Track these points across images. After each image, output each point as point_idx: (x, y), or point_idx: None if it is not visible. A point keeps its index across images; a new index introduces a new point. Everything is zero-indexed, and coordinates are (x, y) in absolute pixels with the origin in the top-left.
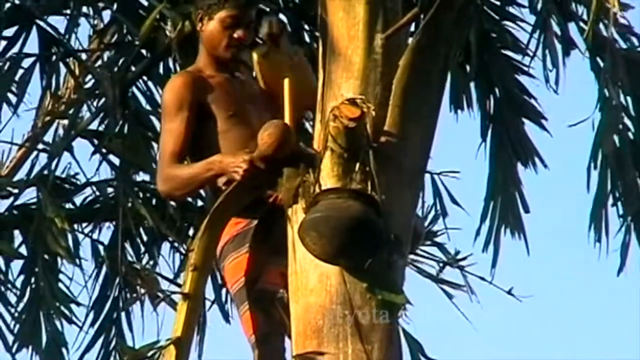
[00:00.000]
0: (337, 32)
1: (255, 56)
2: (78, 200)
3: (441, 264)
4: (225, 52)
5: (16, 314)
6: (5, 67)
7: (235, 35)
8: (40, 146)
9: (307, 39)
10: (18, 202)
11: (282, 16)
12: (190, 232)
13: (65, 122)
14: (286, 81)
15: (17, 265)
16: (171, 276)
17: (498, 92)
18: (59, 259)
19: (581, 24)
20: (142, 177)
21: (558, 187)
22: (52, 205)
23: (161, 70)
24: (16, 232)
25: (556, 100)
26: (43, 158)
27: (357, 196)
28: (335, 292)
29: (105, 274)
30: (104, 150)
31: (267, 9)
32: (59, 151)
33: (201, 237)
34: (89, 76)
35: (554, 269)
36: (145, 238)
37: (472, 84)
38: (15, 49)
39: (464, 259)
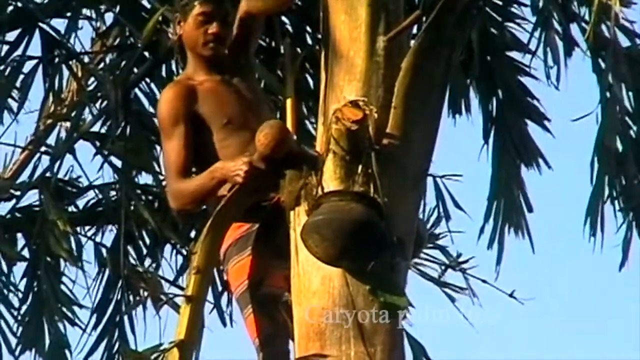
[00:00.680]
0: (339, 35)
1: None
2: (81, 203)
3: (443, 267)
4: (204, 50)
5: (19, 317)
6: (8, 70)
7: (209, 31)
8: (43, 149)
9: (309, 41)
10: (21, 205)
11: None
12: (193, 234)
13: (68, 124)
14: (289, 101)
15: (20, 268)
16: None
17: (500, 94)
18: (62, 262)
19: (583, 24)
20: (144, 179)
21: (561, 187)
22: (54, 207)
23: (164, 73)
24: (19, 235)
25: (558, 101)
26: (45, 160)
27: (359, 199)
28: (338, 294)
29: (108, 276)
30: (106, 153)
31: None
32: (60, 153)
33: (204, 240)
34: (92, 79)
35: (556, 269)
36: (147, 241)
37: (472, 87)
38: (19, 52)
39: (466, 261)
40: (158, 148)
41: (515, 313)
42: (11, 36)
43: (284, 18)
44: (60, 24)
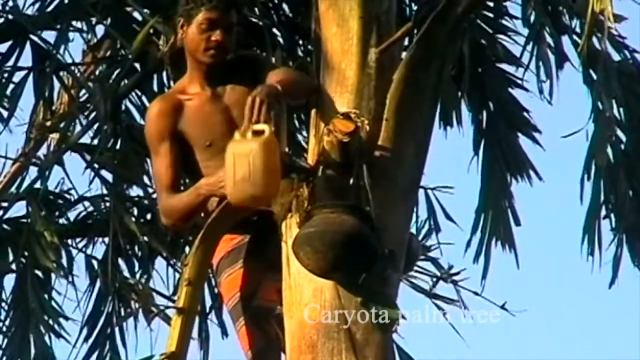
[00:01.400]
0: (331, 47)
1: None
2: (72, 215)
3: (434, 279)
4: (203, 56)
5: (4, 329)
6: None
7: (212, 38)
8: (32, 160)
9: (300, 53)
10: (9, 216)
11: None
12: (184, 246)
13: (57, 136)
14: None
15: (9, 280)
16: (165, 290)
17: (492, 106)
18: (52, 275)
19: (574, 37)
20: (136, 191)
21: (550, 200)
22: (41, 218)
23: (154, 85)
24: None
25: (549, 113)
26: (34, 172)
27: (351, 211)
28: (329, 306)
29: (99, 289)
30: (95, 165)
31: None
32: (49, 165)
33: (195, 252)
34: (83, 90)
35: (546, 281)
36: (139, 253)
37: (463, 99)
38: (9, 64)
39: (457, 273)
40: (148, 160)
41: (507, 324)
42: (2, 47)
43: (275, 30)
44: (51, 36)
